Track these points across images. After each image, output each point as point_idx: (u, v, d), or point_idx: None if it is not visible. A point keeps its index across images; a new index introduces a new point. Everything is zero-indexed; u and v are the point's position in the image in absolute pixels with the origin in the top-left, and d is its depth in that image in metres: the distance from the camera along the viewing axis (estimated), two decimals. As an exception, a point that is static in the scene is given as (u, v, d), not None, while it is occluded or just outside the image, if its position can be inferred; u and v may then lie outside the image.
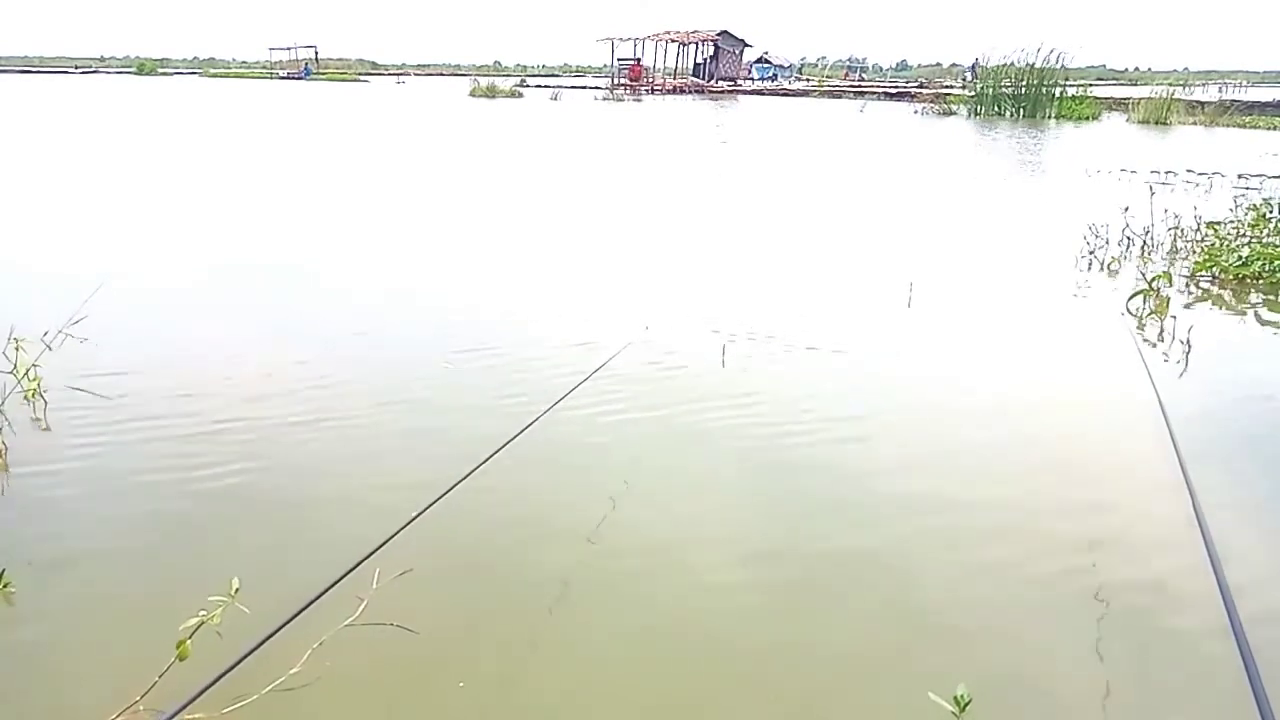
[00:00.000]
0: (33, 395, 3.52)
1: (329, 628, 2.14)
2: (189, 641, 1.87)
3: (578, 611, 2.38)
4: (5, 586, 2.37)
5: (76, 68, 69.26)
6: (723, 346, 4.47)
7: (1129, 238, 7.06)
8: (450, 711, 2.03)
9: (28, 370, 3.49)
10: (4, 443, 3.14)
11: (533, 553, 2.64)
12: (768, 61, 58.92)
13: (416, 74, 75.67)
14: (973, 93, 27.24)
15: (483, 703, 2.05)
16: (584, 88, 47.68)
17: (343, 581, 2.29)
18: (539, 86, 46.54)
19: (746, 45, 53.50)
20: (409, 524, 2.57)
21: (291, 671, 2.03)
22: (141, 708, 1.90)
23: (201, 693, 1.89)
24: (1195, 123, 22.91)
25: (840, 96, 40.53)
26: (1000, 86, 25.33)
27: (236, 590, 1.89)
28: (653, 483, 3.11)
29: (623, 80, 46.52)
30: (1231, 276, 6.13)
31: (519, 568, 2.56)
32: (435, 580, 2.46)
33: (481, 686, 2.10)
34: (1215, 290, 5.98)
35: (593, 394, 3.86)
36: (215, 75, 62.76)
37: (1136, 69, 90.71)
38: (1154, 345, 4.74)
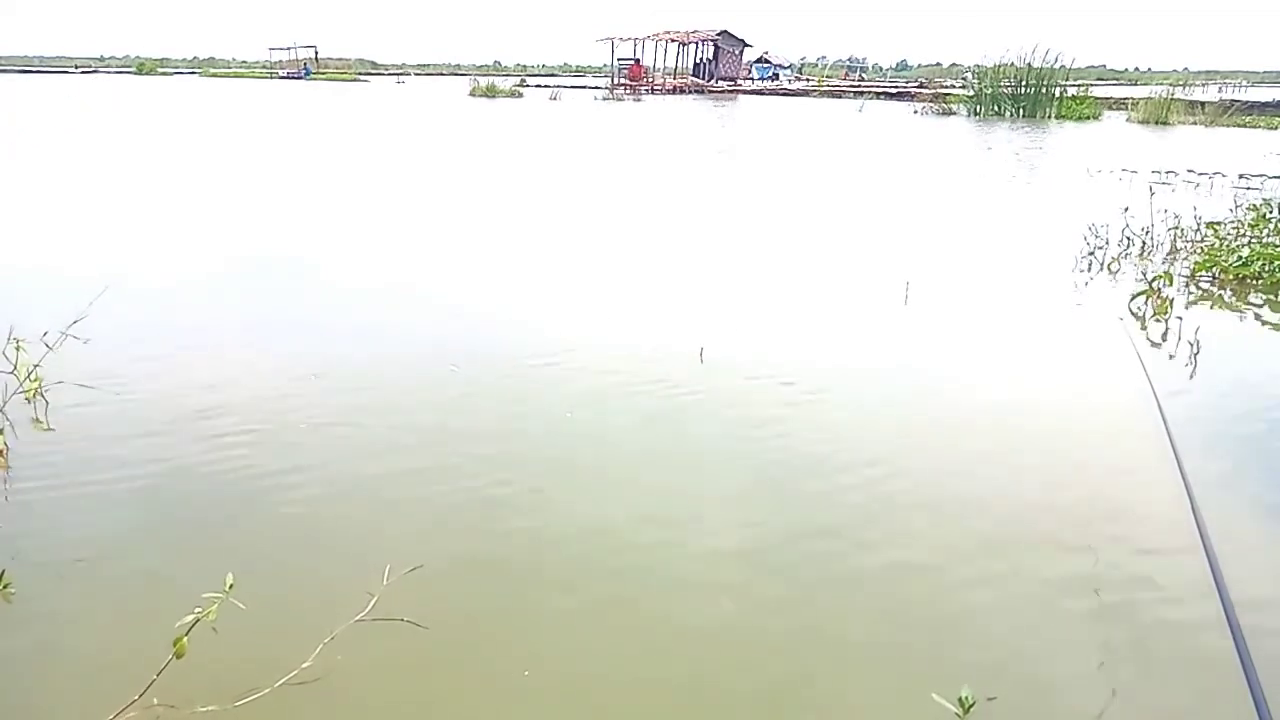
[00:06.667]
0: (34, 395, 3.53)
1: (339, 623, 2.16)
2: (186, 639, 1.87)
3: (586, 608, 2.40)
4: (6, 587, 2.38)
5: (76, 67, 69.26)
6: (718, 347, 4.49)
7: (1129, 238, 7.08)
8: (459, 707, 2.05)
9: (30, 371, 3.50)
10: (5, 443, 3.16)
11: (541, 549, 2.66)
12: (768, 61, 58.88)
13: (416, 74, 75.65)
14: (972, 92, 27.24)
15: (491, 698, 2.07)
16: (584, 87, 47.68)
17: (352, 577, 2.31)
18: (539, 86, 46.52)
19: (746, 45, 53.47)
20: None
21: (303, 666, 2.05)
22: (156, 701, 1.92)
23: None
24: (1195, 122, 22.91)
25: (840, 96, 40.53)
26: (1000, 86, 25.34)
27: (231, 586, 1.90)
28: (655, 483, 3.12)
29: (623, 80, 46.50)
30: (1232, 276, 6.15)
31: (528, 564, 2.58)
32: (445, 577, 2.48)
33: (490, 683, 2.12)
34: (1215, 290, 6.00)
35: (598, 395, 3.88)
36: (215, 75, 62.74)
37: (1136, 69, 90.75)
38: (1154, 346, 4.76)
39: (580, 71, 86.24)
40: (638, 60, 47.68)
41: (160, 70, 66.43)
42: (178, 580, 2.45)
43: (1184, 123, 22.97)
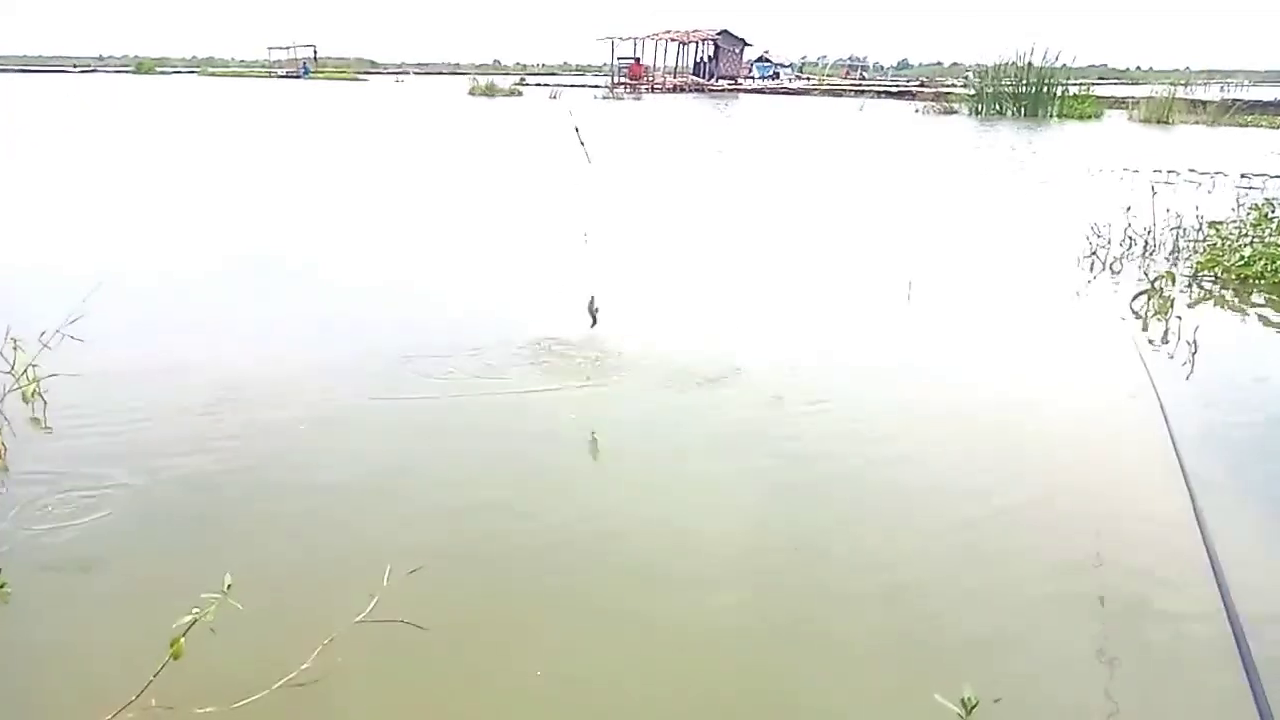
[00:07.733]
0: (32, 395, 3.52)
1: (339, 624, 2.15)
2: (184, 640, 1.85)
3: (586, 610, 2.39)
4: (3, 586, 2.37)
5: (75, 67, 69.19)
6: (719, 346, 4.47)
7: (1131, 237, 7.06)
8: (458, 708, 2.04)
9: (26, 369, 3.48)
10: (3, 442, 3.15)
11: (542, 551, 2.65)
12: (768, 60, 58.84)
13: (416, 73, 75.53)
14: (974, 92, 27.21)
15: (491, 699, 2.06)
16: (584, 86, 47.65)
17: (352, 578, 2.29)
18: (538, 85, 46.50)
19: (746, 44, 53.44)
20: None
21: (302, 667, 2.04)
22: (154, 701, 1.91)
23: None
24: (1197, 122, 22.88)
25: (841, 95, 40.52)
26: (1001, 85, 25.30)
27: (229, 586, 1.89)
28: (657, 482, 3.12)
29: (623, 79, 46.46)
30: (1234, 276, 6.14)
31: (528, 565, 2.57)
32: (445, 578, 2.47)
33: (489, 683, 2.11)
34: (1217, 290, 5.98)
35: (600, 396, 3.87)
36: (214, 74, 62.67)
37: (1138, 68, 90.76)
38: (1156, 345, 4.75)
39: (580, 70, 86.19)
40: (638, 59, 47.64)
41: (159, 70, 66.42)
42: (176, 580, 2.44)
43: (1186, 122, 22.94)
